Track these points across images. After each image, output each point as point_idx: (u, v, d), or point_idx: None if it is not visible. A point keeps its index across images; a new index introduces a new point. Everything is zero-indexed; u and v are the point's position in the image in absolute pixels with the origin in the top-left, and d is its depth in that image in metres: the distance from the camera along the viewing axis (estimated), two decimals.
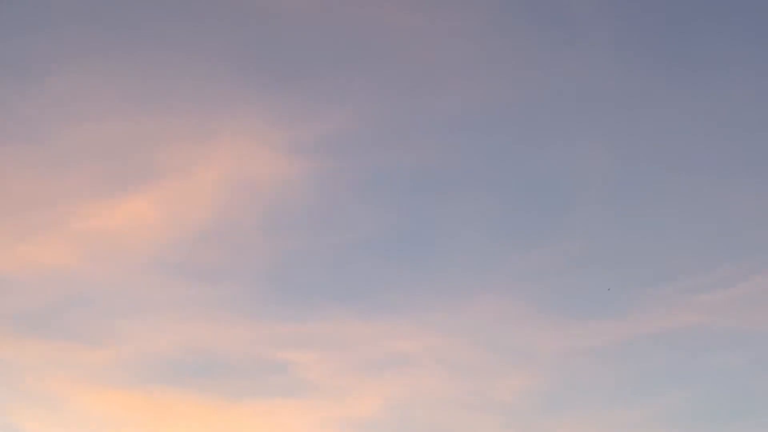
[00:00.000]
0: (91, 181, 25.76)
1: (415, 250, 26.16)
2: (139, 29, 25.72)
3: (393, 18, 25.97)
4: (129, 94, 25.87)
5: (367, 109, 26.10)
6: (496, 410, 25.79)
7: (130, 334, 25.32)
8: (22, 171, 25.57)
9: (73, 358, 25.16)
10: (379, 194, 26.32)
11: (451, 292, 25.69)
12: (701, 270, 25.80)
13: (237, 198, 26.17)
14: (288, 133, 26.02)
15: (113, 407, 25.31)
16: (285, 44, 26.19)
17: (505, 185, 26.29)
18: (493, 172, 26.26)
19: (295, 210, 26.29)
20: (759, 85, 26.25)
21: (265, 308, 25.85)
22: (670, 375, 25.67)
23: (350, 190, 26.31)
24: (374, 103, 26.12)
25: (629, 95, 26.31)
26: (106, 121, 25.74)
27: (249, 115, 26.08)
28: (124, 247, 25.82)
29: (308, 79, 26.14)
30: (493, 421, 25.75)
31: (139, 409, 25.51)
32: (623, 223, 26.30)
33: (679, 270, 25.77)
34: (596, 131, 26.26)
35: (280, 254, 26.23)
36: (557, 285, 25.81)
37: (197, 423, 26.45)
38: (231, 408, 26.27)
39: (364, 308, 25.71)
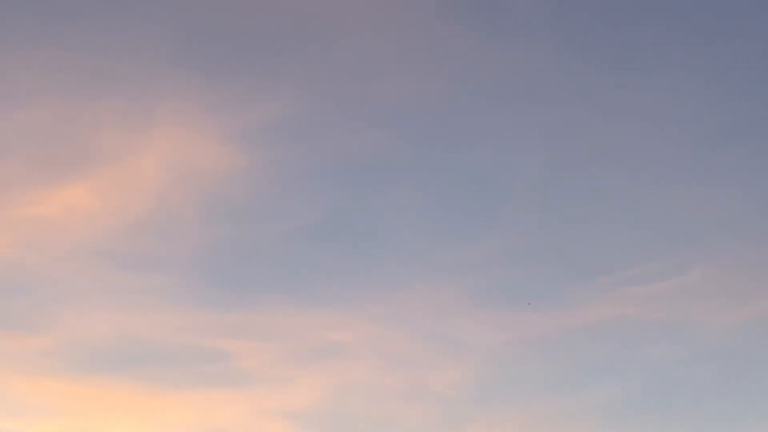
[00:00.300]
0: (26, 169, 25.58)
1: (352, 241, 26.21)
2: (76, 16, 25.56)
3: (330, 7, 25.97)
4: (65, 81, 25.71)
5: (304, 98, 26.09)
6: (431, 401, 25.91)
7: (65, 323, 25.22)
8: None
9: (7, 345, 25.02)
10: (315, 184, 26.35)
11: (388, 283, 25.78)
12: (635, 263, 26.02)
13: (175, 186, 26.09)
14: (226, 121, 25.96)
15: (47, 395, 25.20)
16: (223, 33, 26.11)
17: (441, 177, 26.38)
18: (430, 164, 26.35)
19: (233, 199, 26.26)
20: (691, 81, 26.48)
21: (202, 297, 25.83)
22: (604, 367, 25.89)
23: (287, 180, 26.31)
24: (312, 92, 26.11)
25: (564, 90, 26.46)
26: (43, 108, 25.57)
27: (187, 104, 25.99)
28: (60, 236, 25.69)
29: (246, 68, 26.09)
30: (429, 412, 25.87)
31: (74, 398, 25.43)
32: (558, 216, 26.46)
33: (613, 263, 25.98)
34: (532, 125, 26.41)
35: (218, 243, 26.20)
36: (492, 277, 25.95)
37: (133, 412, 26.40)
38: (167, 397, 26.23)
39: (301, 298, 25.74)
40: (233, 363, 25.63)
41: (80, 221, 25.83)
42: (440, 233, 26.22)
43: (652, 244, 26.24)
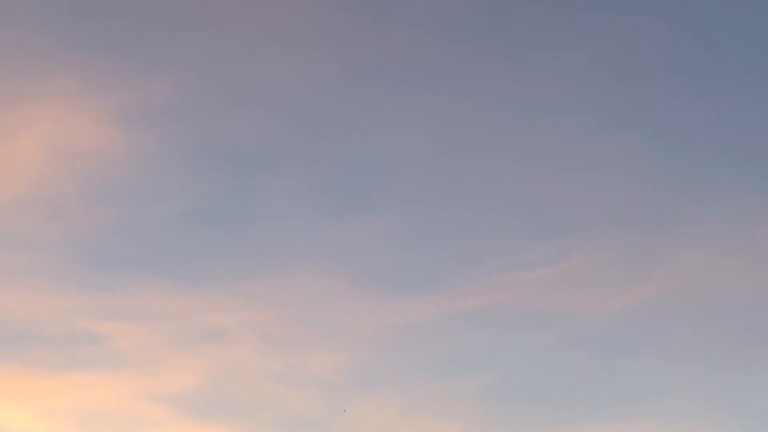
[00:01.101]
0: None
1: (233, 224, 26.04)
2: None
3: None
4: None
5: (188, 81, 25.82)
6: (313, 386, 25.89)
7: None
8: None
9: None
10: (197, 167, 26.10)
11: (268, 267, 25.66)
12: (517, 250, 26.23)
13: (54, 166, 25.66)
14: (108, 102, 25.59)
15: None
16: (106, 11, 25.71)
17: (323, 161, 26.32)
18: (312, 148, 26.27)
19: (114, 180, 25.90)
20: (577, 72, 26.76)
21: (80, 278, 25.46)
22: (484, 352, 26.09)
23: (169, 162, 26.03)
24: (195, 75, 25.86)
25: (449, 74, 26.53)
26: None
27: (70, 83, 25.55)
28: None
29: (130, 48, 25.73)
30: (310, 396, 25.84)
31: None
32: (441, 201, 26.58)
33: (495, 249, 26.17)
34: (417, 111, 26.44)
35: (98, 224, 25.84)
36: (375, 261, 25.99)
37: (8, 394, 25.97)
38: (44, 380, 25.85)
39: (180, 281, 25.51)
40: (111, 346, 25.33)
41: None
42: (322, 217, 26.19)
43: (534, 231, 26.49)
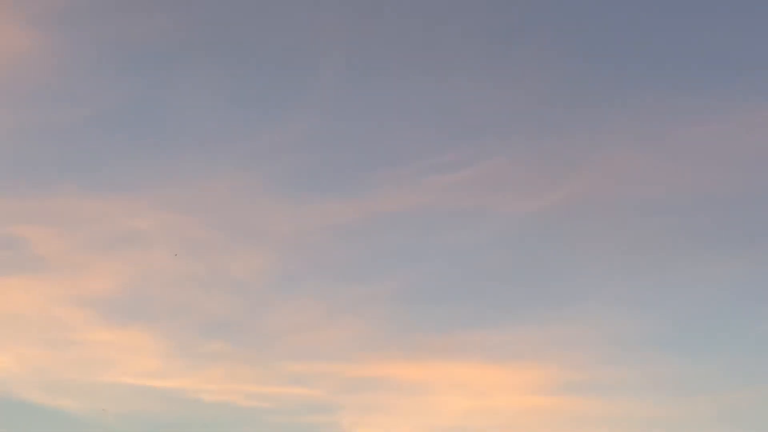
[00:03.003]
0: None
1: (149, 127, 25.76)
2: None
3: None
4: None
5: None
6: (231, 288, 25.95)
7: None
8: None
9: None
10: (112, 69, 25.70)
11: (186, 170, 25.47)
12: (439, 152, 26.21)
13: None
14: (25, 4, 25.07)
15: None
16: None
17: (241, 63, 25.99)
18: (229, 49, 25.91)
19: (29, 83, 25.51)
20: None
21: None
22: (405, 253, 26.21)
23: (83, 65, 25.61)
24: None
25: None
26: None
27: None
28: None
29: None
30: (229, 298, 25.93)
31: None
32: (360, 104, 26.41)
33: (414, 152, 26.13)
34: (336, 9, 26.10)
35: (14, 128, 25.50)
36: (293, 163, 25.87)
37: None
38: None
39: (97, 185, 25.29)
40: (29, 249, 25.19)
41: None
42: (240, 120, 25.95)
43: (455, 135, 26.44)
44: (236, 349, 27.64)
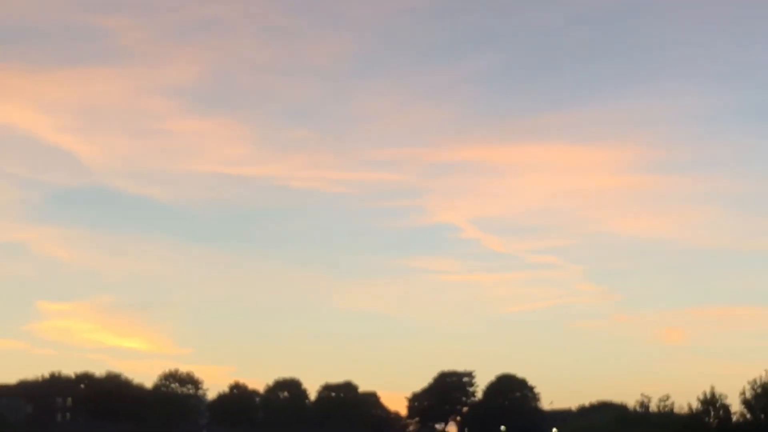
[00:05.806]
0: None
1: None
2: None
3: None
4: None
5: None
6: (312, 75, 25.48)
7: None
8: None
9: None
10: None
11: None
12: None
13: None
14: None
15: None
16: None
17: None
18: None
19: None
20: None
21: None
22: (487, 35, 25.64)
23: None
24: None
25: None
26: None
27: None
28: None
29: None
30: (311, 85, 25.45)
31: None
32: None
33: None
34: None
35: None
36: None
37: (7, 92, 25.61)
38: (43, 75, 25.33)
39: None
40: (114, 40, 24.82)
41: None
42: None
43: None
44: (320, 136, 27.37)
